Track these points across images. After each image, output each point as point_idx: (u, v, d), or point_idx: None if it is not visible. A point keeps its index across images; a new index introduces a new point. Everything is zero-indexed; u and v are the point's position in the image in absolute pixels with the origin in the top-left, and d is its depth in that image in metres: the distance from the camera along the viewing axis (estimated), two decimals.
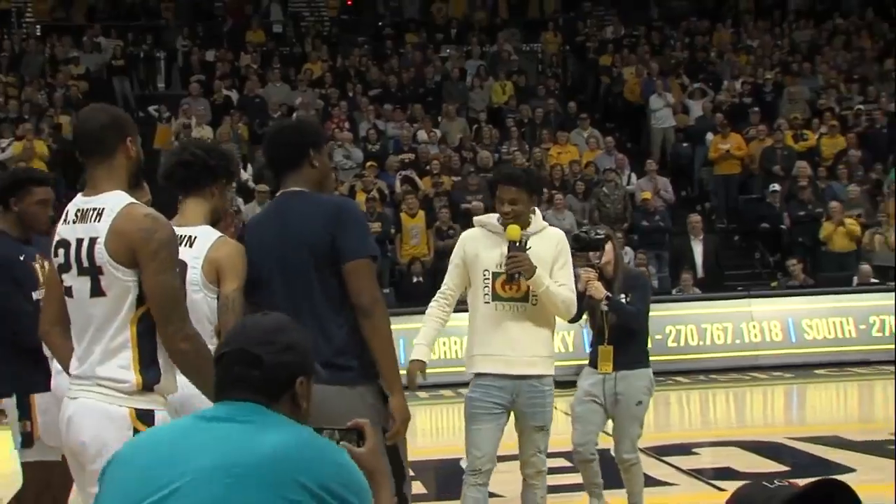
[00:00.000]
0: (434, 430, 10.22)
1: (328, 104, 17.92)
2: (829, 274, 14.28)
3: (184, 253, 3.50)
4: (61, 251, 3.18)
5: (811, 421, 10.01)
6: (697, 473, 6.97)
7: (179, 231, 3.51)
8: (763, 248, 15.81)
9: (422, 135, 17.14)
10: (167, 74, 19.71)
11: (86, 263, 3.11)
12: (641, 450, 7.28)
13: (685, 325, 12.77)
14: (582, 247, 5.45)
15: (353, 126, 17.35)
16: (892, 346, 12.80)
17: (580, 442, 5.56)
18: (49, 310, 3.34)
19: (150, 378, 3.11)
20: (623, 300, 5.42)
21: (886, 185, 15.82)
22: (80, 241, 3.13)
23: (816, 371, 12.29)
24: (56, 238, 3.22)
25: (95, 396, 3.09)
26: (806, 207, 15.30)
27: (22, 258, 4.40)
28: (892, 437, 8.00)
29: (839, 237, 14.66)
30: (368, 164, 16.03)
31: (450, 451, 7.46)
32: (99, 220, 3.11)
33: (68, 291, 3.18)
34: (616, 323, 5.43)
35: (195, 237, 3.70)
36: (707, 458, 7.81)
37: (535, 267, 4.64)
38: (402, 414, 3.53)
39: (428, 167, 15.99)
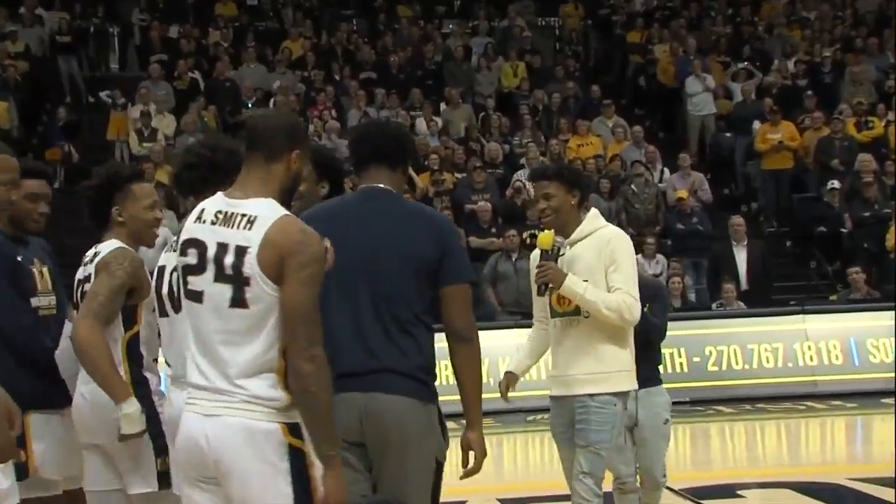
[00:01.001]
0: None
1: (311, 88, 17.94)
2: None
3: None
4: (192, 251, 3.41)
5: (877, 458, 9.92)
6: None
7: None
8: (820, 256, 15.79)
9: (420, 124, 17.15)
10: (122, 53, 19.72)
11: (229, 271, 3.34)
12: (676, 491, 7.21)
13: (728, 345, 12.71)
14: None
15: (341, 114, 17.37)
16: None
17: (627, 473, 5.79)
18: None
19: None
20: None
21: None
22: (222, 247, 3.37)
23: (883, 400, 12.21)
24: (184, 236, 3.46)
25: (241, 413, 3.32)
26: (871, 207, 15.27)
27: (19, 259, 4.44)
28: None
29: None
30: None
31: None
32: (250, 229, 3.34)
33: (192, 295, 3.41)
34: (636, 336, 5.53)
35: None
36: (755, 503, 7.77)
37: (565, 276, 4.90)
38: (482, 448, 3.92)
39: (427, 162, 15.99)
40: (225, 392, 3.33)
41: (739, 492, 7.92)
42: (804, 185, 16.77)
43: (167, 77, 17.76)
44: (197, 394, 3.39)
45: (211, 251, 3.37)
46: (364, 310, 3.80)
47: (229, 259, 3.34)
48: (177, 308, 3.94)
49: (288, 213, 3.42)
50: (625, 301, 4.87)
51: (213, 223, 3.40)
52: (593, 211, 5.14)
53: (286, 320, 3.30)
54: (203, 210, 3.44)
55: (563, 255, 4.96)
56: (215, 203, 3.44)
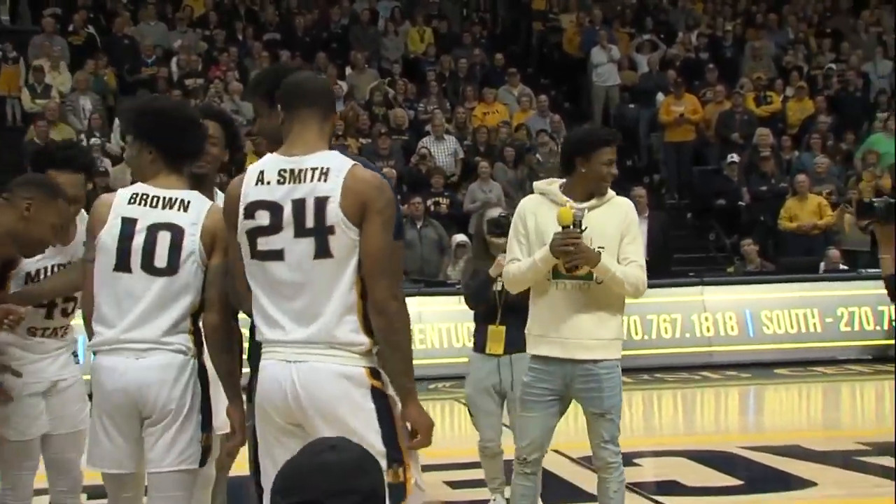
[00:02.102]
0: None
1: (213, 48, 17.69)
2: (793, 259, 14.53)
3: (178, 217, 3.88)
4: (262, 213, 3.53)
5: (769, 427, 10.20)
6: (638, 488, 7.05)
7: (166, 193, 3.89)
8: (718, 228, 16.04)
9: None
10: (13, 5, 19.18)
11: (311, 224, 3.49)
12: (574, 459, 7.34)
13: (627, 315, 12.77)
14: (503, 231, 5.69)
15: (244, 75, 17.14)
16: (862, 343, 13.19)
17: (491, 437, 6.07)
18: (241, 275, 3.67)
19: (372, 339, 3.56)
20: None
21: (860, 155, 16.12)
22: (299, 202, 3.50)
23: (776, 370, 12.52)
24: (247, 200, 3.56)
25: (329, 359, 3.50)
26: (768, 181, 15.56)
27: None
28: (860, 448, 8.24)
29: (805, 216, 14.91)
30: None
31: None
32: (325, 180, 3.50)
33: (268, 255, 3.54)
34: (509, 302, 5.73)
35: (189, 201, 3.93)
36: (650, 470, 7.90)
37: (598, 256, 4.80)
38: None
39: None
40: (310, 342, 3.50)
41: (635, 460, 8.05)
42: (705, 158, 17.02)
43: (62, 31, 17.35)
44: (278, 346, 3.55)
45: (287, 209, 3.50)
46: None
47: (309, 212, 3.49)
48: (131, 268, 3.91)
49: (355, 161, 3.58)
50: (641, 276, 4.92)
51: (279, 182, 3.53)
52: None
53: (371, 262, 3.48)
54: (262, 172, 3.56)
55: (585, 229, 4.78)
56: (274, 163, 3.56)
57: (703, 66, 18.08)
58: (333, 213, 3.47)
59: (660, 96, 17.33)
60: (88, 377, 4.09)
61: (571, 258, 4.78)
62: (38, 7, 18.46)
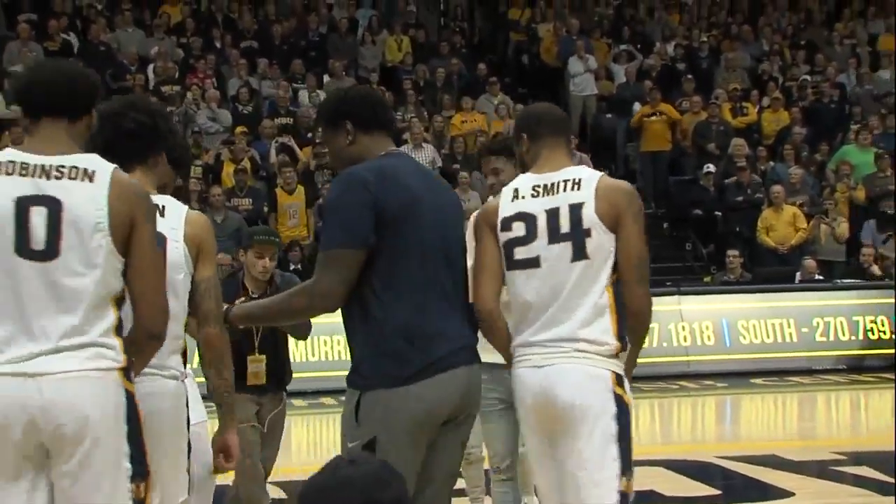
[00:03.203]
0: (313, 445, 10.17)
1: (190, 55, 17.63)
2: (769, 269, 14.61)
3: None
4: (518, 224, 3.86)
5: (746, 437, 10.25)
6: None
7: None
8: (695, 238, 16.09)
9: (303, 96, 17.01)
10: None
11: (566, 229, 3.80)
12: None
13: None
14: None
15: (221, 83, 17.12)
16: (837, 353, 13.27)
17: (475, 444, 5.94)
18: (494, 288, 3.90)
19: (623, 343, 3.80)
20: None
21: (833, 166, 16.21)
22: (553, 211, 3.83)
23: (753, 380, 12.58)
24: (503, 214, 3.90)
25: (575, 360, 3.75)
26: (745, 192, 15.65)
27: None
28: (836, 458, 8.30)
29: (781, 226, 14.99)
30: (238, 128, 15.82)
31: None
32: (578, 189, 3.84)
33: (525, 263, 3.84)
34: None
35: (164, 206, 3.74)
36: None
37: None
38: None
39: (309, 135, 15.87)
40: (561, 341, 3.78)
41: None
42: (681, 167, 17.08)
43: (38, 37, 17.25)
44: (528, 350, 3.82)
45: (541, 219, 3.83)
46: (445, 285, 3.69)
47: (564, 219, 3.81)
48: None
49: (603, 173, 3.95)
50: None
51: (533, 196, 3.88)
52: None
53: (631, 265, 3.77)
54: (516, 190, 3.92)
55: None
56: (527, 181, 3.93)
57: (680, 76, 18.15)
58: (589, 216, 3.78)
59: (636, 106, 17.38)
60: None
61: None
62: (13, 13, 18.34)
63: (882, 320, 13.36)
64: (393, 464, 3.23)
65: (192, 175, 13.80)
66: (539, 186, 3.88)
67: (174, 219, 3.74)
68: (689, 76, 17.98)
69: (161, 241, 3.56)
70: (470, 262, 3.97)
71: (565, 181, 3.85)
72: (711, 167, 15.93)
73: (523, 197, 3.89)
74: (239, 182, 14.68)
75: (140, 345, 3.41)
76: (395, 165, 3.68)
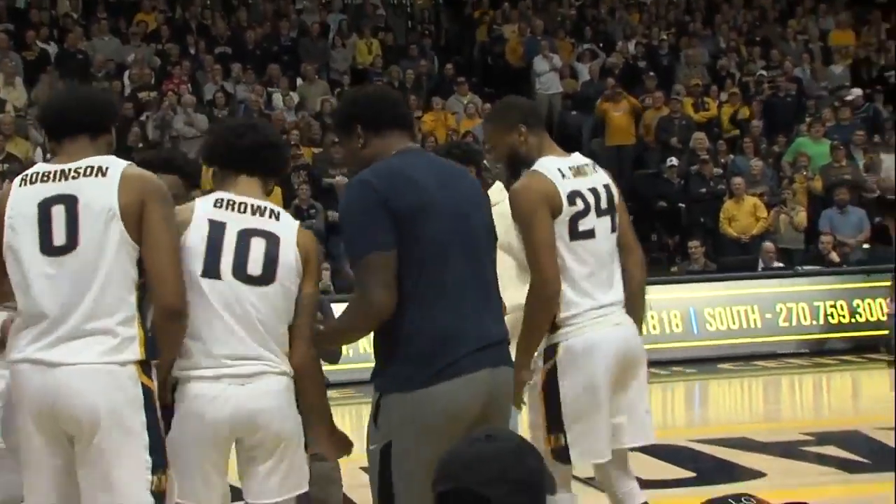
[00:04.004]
0: None
1: (166, 62, 17.51)
2: (733, 258, 14.68)
3: (270, 224, 3.61)
4: (578, 200, 4.16)
5: (715, 421, 10.29)
6: (593, 481, 7.07)
7: (249, 201, 3.65)
8: (660, 229, 16.13)
9: (277, 99, 16.93)
10: None
11: (604, 205, 4.22)
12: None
13: None
14: None
15: (197, 88, 17.02)
16: (799, 337, 13.36)
17: None
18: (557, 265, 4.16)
19: None
20: None
21: (789, 158, 16.30)
22: (593, 189, 4.21)
23: (720, 365, 12.63)
24: (567, 190, 4.15)
25: (627, 318, 4.26)
26: (707, 184, 15.71)
27: None
28: (803, 438, 8.34)
29: (742, 216, 15.07)
30: None
31: None
32: (597, 171, 4.30)
33: (585, 234, 4.17)
34: None
35: (279, 212, 3.70)
36: None
37: None
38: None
39: (285, 136, 15.77)
40: (617, 303, 4.22)
41: None
42: (645, 161, 17.11)
43: (16, 47, 17.10)
44: (602, 311, 4.17)
45: (589, 197, 4.19)
46: (468, 282, 3.51)
47: (602, 197, 4.22)
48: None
49: None
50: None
51: (574, 176, 4.20)
52: (498, 184, 5.02)
53: (629, 235, 4.36)
54: (559, 169, 4.18)
55: None
56: (559, 163, 4.21)
57: (641, 73, 18.18)
58: (616, 196, 4.28)
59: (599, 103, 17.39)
60: None
61: None
62: None
63: (841, 304, 13.45)
64: (409, 470, 3.19)
65: None
66: (571, 168, 4.19)
67: (288, 229, 3.67)
68: (651, 73, 18.00)
69: (274, 239, 3.57)
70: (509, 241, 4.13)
71: (587, 164, 4.26)
72: (674, 160, 15.98)
73: (566, 176, 4.16)
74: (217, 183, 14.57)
75: (161, 323, 3.46)
76: (405, 163, 3.53)
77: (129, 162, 3.57)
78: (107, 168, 3.48)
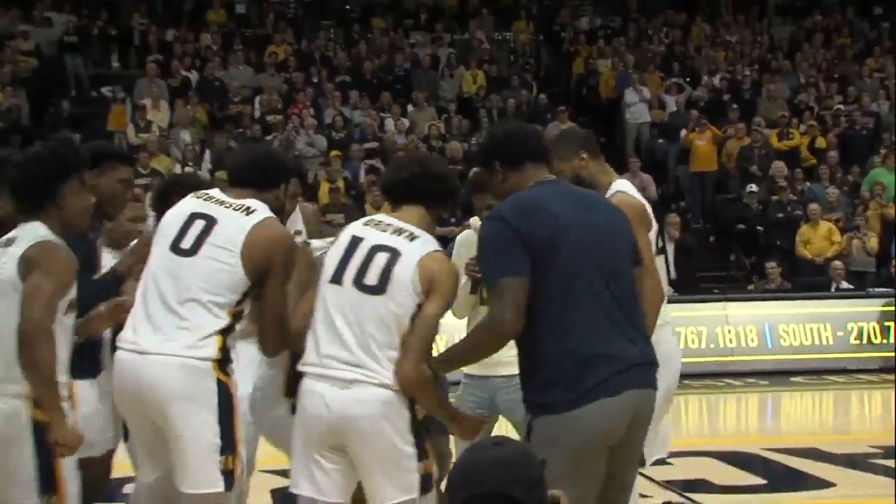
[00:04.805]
0: None
1: (293, 89, 17.69)
2: (807, 278, 14.28)
3: (401, 243, 3.58)
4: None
5: (786, 431, 9.94)
6: (670, 485, 6.84)
7: (396, 223, 3.61)
8: (738, 250, 15.79)
9: (389, 124, 16.95)
10: (122, 53, 19.30)
11: None
12: None
13: None
14: None
15: (318, 112, 17.14)
16: (869, 355, 12.87)
17: None
18: None
19: None
20: None
21: (867, 187, 15.82)
22: None
23: (792, 378, 12.24)
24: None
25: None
26: (784, 209, 15.31)
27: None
28: (872, 451, 7.96)
29: (817, 240, 14.69)
30: (333, 152, 15.81)
31: None
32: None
33: (662, 250, 4.33)
34: None
35: (419, 236, 3.61)
36: (680, 469, 7.66)
37: None
38: None
39: (395, 156, 15.77)
40: None
41: (667, 459, 7.86)
42: (726, 187, 16.78)
43: (162, 75, 17.44)
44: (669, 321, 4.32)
45: None
46: (608, 308, 3.38)
47: None
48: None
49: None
50: None
51: None
52: (475, 219, 4.72)
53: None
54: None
55: None
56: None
57: (725, 106, 17.82)
58: None
59: (684, 132, 17.09)
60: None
61: (470, 269, 4.43)
62: (142, 55, 18.58)
63: None
64: (564, 489, 3.00)
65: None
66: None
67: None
68: (734, 106, 17.62)
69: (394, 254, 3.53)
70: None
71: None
72: (754, 187, 15.64)
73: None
74: (333, 199, 14.63)
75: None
76: (539, 195, 3.44)
77: (273, 215, 3.72)
78: (254, 211, 3.67)
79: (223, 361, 3.57)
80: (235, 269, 3.57)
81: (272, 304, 3.63)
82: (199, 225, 3.63)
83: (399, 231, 3.57)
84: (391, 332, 3.45)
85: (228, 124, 16.48)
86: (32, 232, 3.50)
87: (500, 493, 2.11)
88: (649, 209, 4.13)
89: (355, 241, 3.57)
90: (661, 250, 4.16)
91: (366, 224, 3.63)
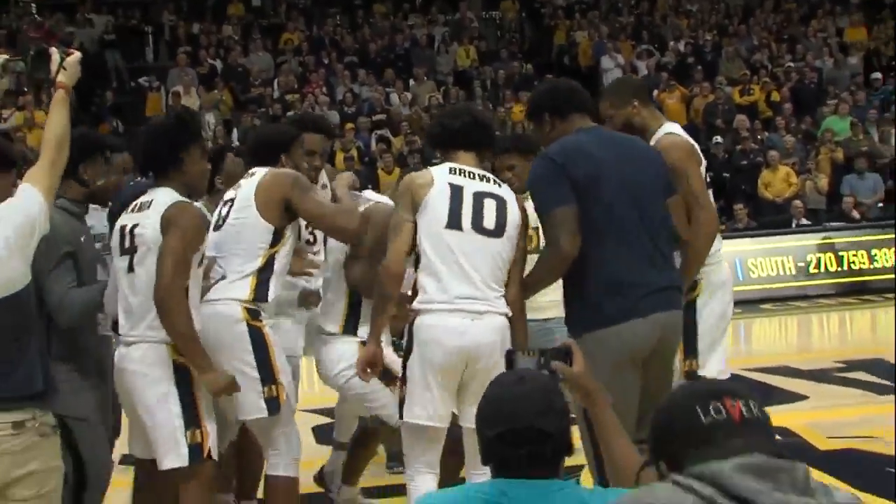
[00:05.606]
0: None
1: (307, 71, 17.55)
2: (770, 217, 14.27)
3: (495, 189, 3.63)
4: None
5: (758, 352, 9.98)
6: None
7: (473, 170, 3.60)
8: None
9: (394, 98, 16.83)
10: (155, 46, 19.11)
11: None
12: None
13: None
14: None
15: (331, 91, 17.01)
16: (828, 282, 12.90)
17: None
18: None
19: None
20: None
21: (820, 133, 15.76)
22: None
23: (762, 306, 12.27)
24: None
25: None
26: (748, 157, 15.24)
27: None
28: (836, 366, 7.98)
29: (777, 183, 14.64)
30: (347, 125, 15.70)
31: None
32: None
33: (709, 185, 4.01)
34: None
35: (497, 180, 3.74)
36: None
37: None
38: None
39: (401, 126, 15.70)
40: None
41: None
42: (695, 139, 16.36)
43: (191, 64, 17.29)
44: None
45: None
46: (643, 237, 3.38)
47: None
48: None
49: None
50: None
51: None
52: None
53: None
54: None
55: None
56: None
57: (690, 68, 17.68)
58: None
59: (655, 93, 16.94)
60: None
61: None
62: (173, 47, 18.40)
63: (862, 253, 12.94)
64: None
65: None
66: None
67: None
68: (698, 67, 17.48)
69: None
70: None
71: None
72: (720, 138, 15.56)
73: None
74: (348, 167, 14.56)
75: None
76: (582, 139, 3.46)
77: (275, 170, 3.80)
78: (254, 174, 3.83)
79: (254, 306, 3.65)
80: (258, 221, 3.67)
81: (316, 215, 3.72)
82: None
83: (484, 178, 3.58)
84: (504, 268, 3.50)
85: (252, 105, 16.36)
86: (168, 195, 3.47)
87: (533, 426, 2.01)
88: (697, 147, 3.95)
89: (456, 190, 3.49)
90: (709, 185, 3.92)
91: (451, 172, 3.54)
